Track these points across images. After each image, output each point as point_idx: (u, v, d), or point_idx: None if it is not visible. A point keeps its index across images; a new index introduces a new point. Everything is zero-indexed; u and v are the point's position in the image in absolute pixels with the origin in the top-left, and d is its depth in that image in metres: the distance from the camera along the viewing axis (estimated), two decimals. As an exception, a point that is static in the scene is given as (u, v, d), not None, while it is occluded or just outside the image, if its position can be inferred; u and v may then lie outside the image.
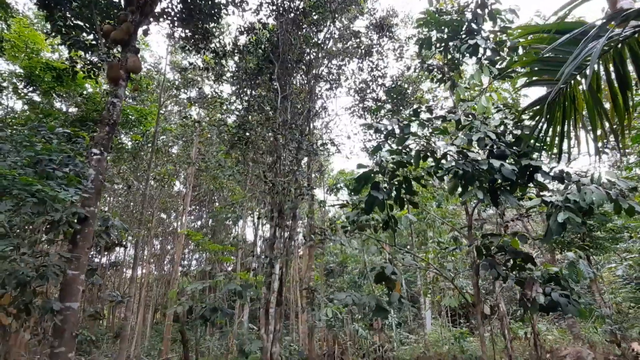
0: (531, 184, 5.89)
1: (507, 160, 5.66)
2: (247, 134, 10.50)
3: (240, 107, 11.63)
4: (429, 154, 5.98)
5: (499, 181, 5.74)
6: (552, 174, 5.77)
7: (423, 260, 7.55)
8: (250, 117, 11.17)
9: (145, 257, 34.44)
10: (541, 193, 6.14)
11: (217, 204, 29.25)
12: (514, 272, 6.30)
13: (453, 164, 5.59)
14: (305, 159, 11.75)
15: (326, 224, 11.57)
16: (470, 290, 15.45)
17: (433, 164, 5.91)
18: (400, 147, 5.98)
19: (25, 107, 15.68)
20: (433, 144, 6.16)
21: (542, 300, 5.68)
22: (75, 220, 9.13)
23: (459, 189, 5.86)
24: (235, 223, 18.29)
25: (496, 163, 5.35)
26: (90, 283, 9.72)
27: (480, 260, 6.60)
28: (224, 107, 13.37)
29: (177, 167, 23.27)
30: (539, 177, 5.72)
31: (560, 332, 14.70)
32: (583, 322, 14.24)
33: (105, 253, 25.36)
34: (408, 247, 26.04)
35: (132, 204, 25.68)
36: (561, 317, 16.18)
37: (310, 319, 11.65)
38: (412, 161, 5.77)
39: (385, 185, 5.69)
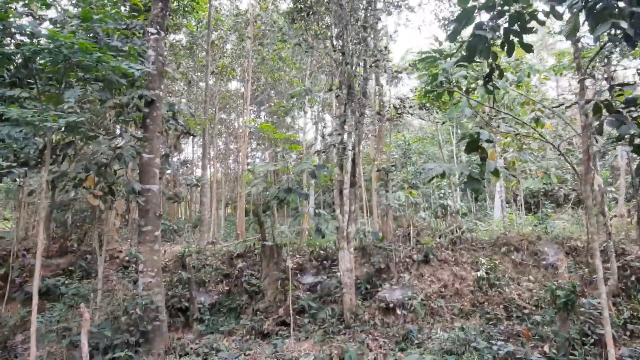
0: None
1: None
2: (309, 1, 9.35)
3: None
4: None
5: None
6: None
7: (523, 125, 6.53)
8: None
9: (210, 156, 35.76)
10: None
11: (274, 100, 28.72)
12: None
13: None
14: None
15: (394, 104, 10.64)
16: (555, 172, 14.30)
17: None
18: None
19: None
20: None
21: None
22: (143, 104, 8.98)
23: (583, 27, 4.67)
24: (302, 108, 17.66)
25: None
26: (166, 167, 9.83)
27: (595, 118, 5.56)
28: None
29: (233, 61, 22.52)
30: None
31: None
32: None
33: (175, 147, 26.17)
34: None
35: (192, 103, 25.79)
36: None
37: (383, 201, 11.36)
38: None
39: (491, 24, 4.64)
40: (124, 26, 8.14)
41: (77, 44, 5.55)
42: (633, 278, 8.03)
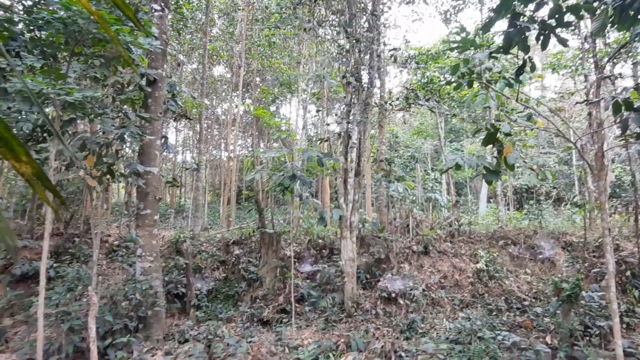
0: None
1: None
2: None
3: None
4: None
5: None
6: None
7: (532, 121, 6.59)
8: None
9: (192, 143, 35.05)
10: None
11: (261, 87, 28.30)
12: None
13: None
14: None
15: (406, 95, 10.59)
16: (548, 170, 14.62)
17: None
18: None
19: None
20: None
21: None
22: (145, 83, 8.66)
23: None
24: (295, 93, 17.44)
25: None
26: (165, 149, 9.53)
27: (617, 116, 5.64)
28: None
29: (224, 45, 22.02)
30: None
31: None
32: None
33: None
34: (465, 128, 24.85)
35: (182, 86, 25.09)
36: None
37: (383, 192, 11.37)
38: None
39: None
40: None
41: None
42: (628, 273, 8.30)
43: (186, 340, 7.71)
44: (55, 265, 9.86)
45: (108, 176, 8.25)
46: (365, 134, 9.56)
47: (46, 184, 0.93)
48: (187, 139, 36.22)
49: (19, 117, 6.90)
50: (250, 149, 33.45)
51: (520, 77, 6.39)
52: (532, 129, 6.85)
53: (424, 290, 9.02)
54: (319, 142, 11.36)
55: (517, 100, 5.44)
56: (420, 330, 7.78)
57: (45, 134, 8.42)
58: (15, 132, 7.13)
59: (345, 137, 9.38)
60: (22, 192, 14.19)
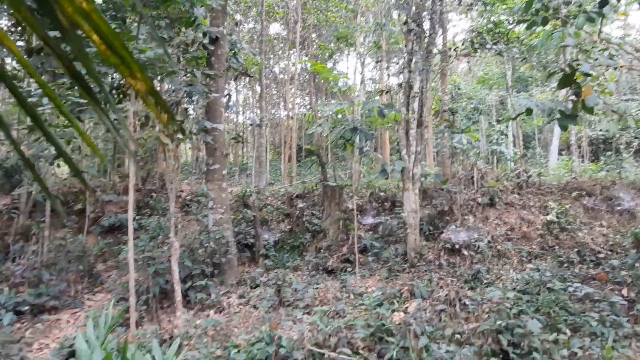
0: None
1: None
2: None
3: None
4: None
5: None
6: None
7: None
8: None
9: (252, 103, 35.69)
10: None
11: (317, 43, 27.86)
12: None
13: None
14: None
15: (471, 39, 10.02)
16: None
17: None
18: None
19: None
20: None
21: None
22: (208, 42, 8.88)
23: None
24: (353, 46, 17.12)
25: None
26: (227, 107, 9.86)
27: None
28: None
29: (281, 0, 21.78)
30: None
31: None
32: None
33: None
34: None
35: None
36: None
37: (446, 143, 11.09)
38: None
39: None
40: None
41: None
42: None
43: (257, 286, 8.23)
44: (137, 217, 10.80)
45: (179, 134, 8.75)
46: (428, 83, 9.24)
47: (158, 100, 1.04)
48: (246, 98, 36.93)
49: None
50: (308, 107, 33.52)
51: (604, 11, 5.84)
52: (614, 68, 6.26)
53: (489, 242, 8.87)
54: (379, 94, 11.17)
55: (598, 37, 4.97)
56: (485, 281, 7.74)
57: (121, 95, 9.01)
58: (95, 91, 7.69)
59: (406, 87, 9.14)
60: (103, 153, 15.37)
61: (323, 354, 5.06)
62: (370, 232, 10.18)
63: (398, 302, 6.99)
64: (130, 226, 6.01)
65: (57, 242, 8.68)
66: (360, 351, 5.46)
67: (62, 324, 6.86)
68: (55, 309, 7.26)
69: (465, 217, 9.63)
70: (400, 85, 9.34)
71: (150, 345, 4.74)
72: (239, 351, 5.37)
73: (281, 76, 31.91)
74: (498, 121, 26.16)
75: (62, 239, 8.78)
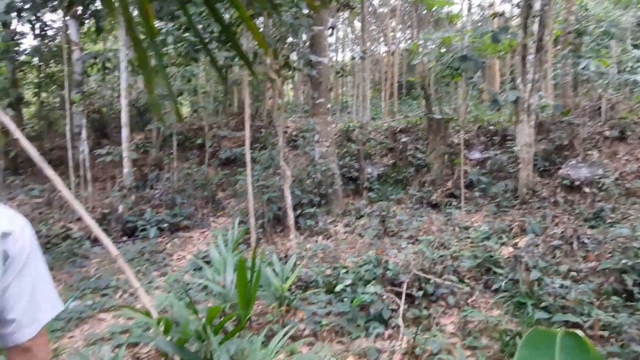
0: None
1: None
2: None
3: None
4: None
5: None
6: None
7: None
8: None
9: (351, 39, 34.79)
10: None
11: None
12: None
13: None
14: None
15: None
16: None
17: None
18: None
19: None
20: None
21: None
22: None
23: None
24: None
25: None
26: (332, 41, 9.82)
27: None
28: None
29: None
30: None
31: None
32: None
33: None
34: None
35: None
36: None
37: (571, 71, 9.93)
38: None
39: None
40: None
41: None
42: None
43: (361, 216, 8.55)
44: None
45: (286, 70, 9.02)
46: (551, 1, 8.20)
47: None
48: (345, 35, 36.10)
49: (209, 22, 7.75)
50: (409, 41, 31.81)
51: None
52: None
53: (616, 179, 8.02)
54: (491, 17, 10.21)
55: None
56: (610, 220, 7.12)
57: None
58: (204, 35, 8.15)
59: (525, 6, 8.21)
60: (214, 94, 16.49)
61: (429, 279, 5.20)
62: (477, 167, 9.79)
63: (507, 236, 6.80)
64: (248, 156, 6.53)
65: (185, 171, 9.80)
66: (466, 280, 5.51)
67: (194, 240, 7.91)
68: (188, 227, 8.36)
69: (589, 152, 8.74)
70: (517, 4, 8.41)
71: (270, 259, 5.30)
72: (347, 272, 5.75)
73: (381, 10, 30.42)
74: (634, 46, 22.36)
75: (189, 169, 9.88)
